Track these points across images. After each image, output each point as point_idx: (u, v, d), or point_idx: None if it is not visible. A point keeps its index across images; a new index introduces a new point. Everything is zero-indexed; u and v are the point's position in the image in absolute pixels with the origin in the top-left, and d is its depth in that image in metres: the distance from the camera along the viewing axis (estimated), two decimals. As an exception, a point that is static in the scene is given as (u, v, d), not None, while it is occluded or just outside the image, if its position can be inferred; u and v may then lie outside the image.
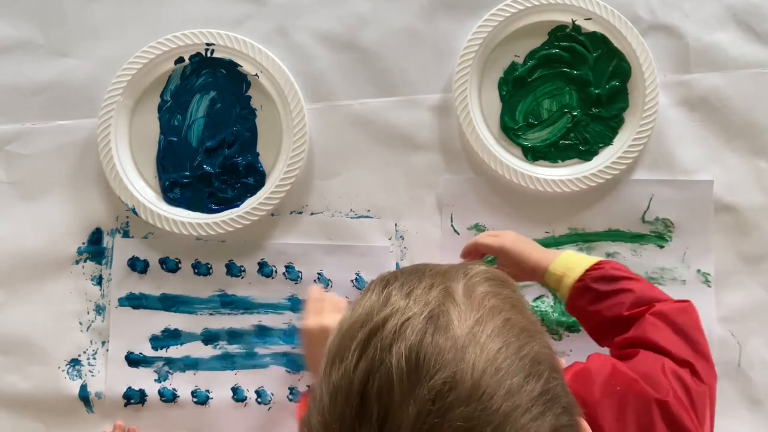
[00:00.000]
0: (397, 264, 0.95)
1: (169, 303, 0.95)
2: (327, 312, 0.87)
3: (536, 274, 0.83)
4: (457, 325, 0.48)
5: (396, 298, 0.50)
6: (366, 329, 0.49)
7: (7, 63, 0.98)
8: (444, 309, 0.49)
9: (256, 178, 0.95)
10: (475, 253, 0.88)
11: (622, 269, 0.80)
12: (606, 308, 0.77)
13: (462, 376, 0.45)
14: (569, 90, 0.95)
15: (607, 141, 0.95)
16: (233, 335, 0.95)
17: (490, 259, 0.88)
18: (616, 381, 0.66)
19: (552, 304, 0.94)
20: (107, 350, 0.95)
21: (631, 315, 0.76)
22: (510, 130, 0.95)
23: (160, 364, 0.95)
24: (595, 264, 0.80)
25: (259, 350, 0.95)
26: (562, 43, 0.95)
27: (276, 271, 0.95)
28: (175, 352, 0.95)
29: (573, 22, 0.95)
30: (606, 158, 0.94)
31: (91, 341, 0.95)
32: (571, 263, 0.81)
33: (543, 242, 0.94)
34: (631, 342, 0.74)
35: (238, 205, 0.95)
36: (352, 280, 0.95)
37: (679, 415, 0.63)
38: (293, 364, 0.94)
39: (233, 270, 0.95)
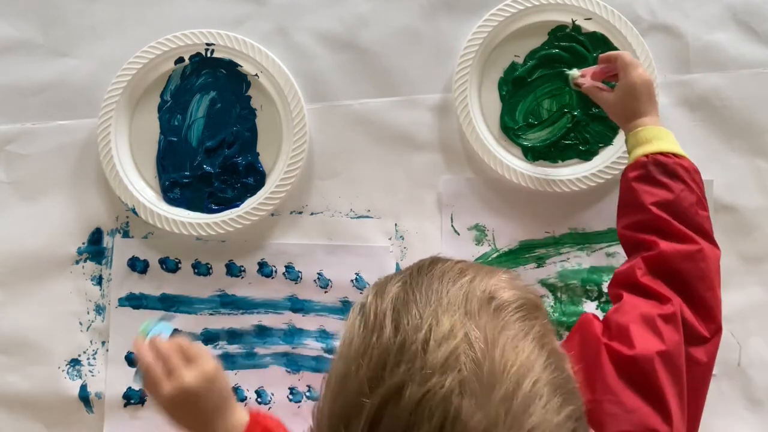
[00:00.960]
0: (398, 264, 0.95)
1: (169, 303, 0.95)
2: (178, 369, 0.70)
3: (628, 122, 0.81)
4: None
5: (411, 350, 0.46)
6: (377, 396, 0.45)
7: (7, 63, 0.98)
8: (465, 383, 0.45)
9: (256, 178, 0.95)
10: (611, 64, 0.84)
11: (692, 174, 0.75)
12: (643, 191, 0.74)
13: None
14: (569, 90, 0.95)
15: (607, 141, 0.95)
16: (233, 335, 0.95)
17: (612, 84, 0.86)
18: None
19: (552, 304, 0.94)
20: (107, 350, 0.95)
21: (651, 211, 0.73)
22: (510, 130, 0.95)
23: (160, 364, 0.95)
24: (673, 153, 0.76)
25: (259, 350, 0.95)
26: (562, 43, 0.95)
27: (276, 271, 0.95)
28: (175, 352, 0.95)
29: (573, 22, 0.95)
30: (606, 158, 0.94)
31: (91, 341, 0.95)
32: (658, 138, 0.77)
33: (543, 242, 0.95)
34: (622, 281, 0.72)
35: (238, 205, 0.95)
36: (352, 280, 0.95)
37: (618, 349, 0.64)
38: (293, 364, 0.94)
39: (233, 270, 0.95)
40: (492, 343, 0.46)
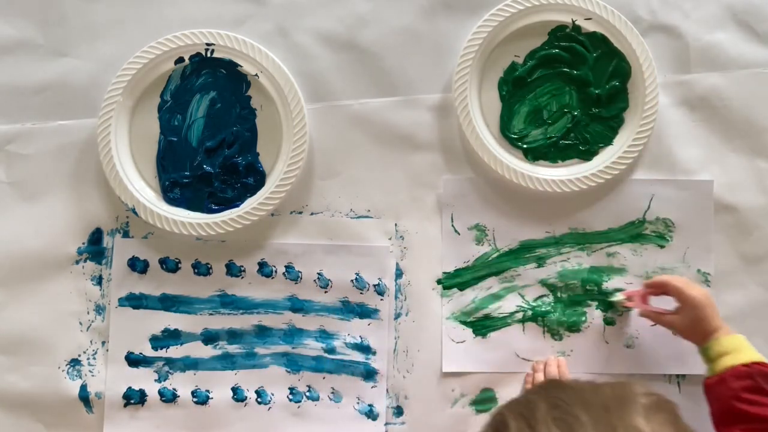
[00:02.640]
0: (397, 265, 0.95)
1: (169, 303, 0.95)
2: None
3: (703, 338, 0.83)
4: None
5: None
6: None
7: (7, 63, 0.98)
8: None
9: (256, 178, 0.95)
10: (660, 289, 0.88)
11: None
12: (760, 406, 0.76)
13: None
14: (569, 90, 0.95)
15: (607, 141, 0.95)
16: (233, 335, 0.95)
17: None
18: None
19: (552, 304, 0.94)
20: (107, 350, 0.95)
21: None
22: (510, 130, 0.95)
23: (160, 364, 0.95)
24: (763, 362, 0.79)
25: (259, 350, 0.95)
26: (562, 43, 0.95)
27: (276, 271, 0.95)
28: (175, 352, 0.95)
29: (573, 22, 0.95)
30: (606, 158, 0.94)
31: (91, 341, 0.95)
32: (741, 346, 0.81)
33: (543, 242, 0.95)
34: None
35: (238, 205, 0.95)
36: (352, 280, 0.95)
37: None
38: (293, 364, 0.94)
39: (233, 270, 0.95)
40: None
